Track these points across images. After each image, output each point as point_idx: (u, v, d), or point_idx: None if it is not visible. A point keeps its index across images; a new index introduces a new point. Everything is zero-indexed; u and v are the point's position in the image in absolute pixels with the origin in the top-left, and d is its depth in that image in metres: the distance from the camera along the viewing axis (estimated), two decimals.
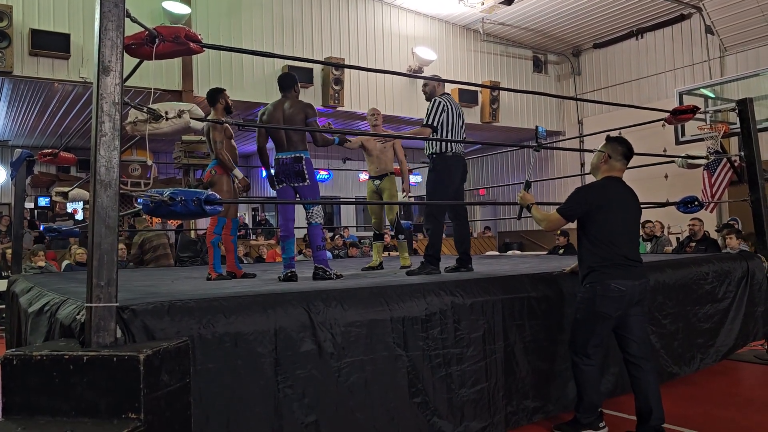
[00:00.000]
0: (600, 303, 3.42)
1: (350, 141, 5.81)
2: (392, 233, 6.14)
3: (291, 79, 4.74)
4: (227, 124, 4.83)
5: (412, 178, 14.43)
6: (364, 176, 17.16)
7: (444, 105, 4.71)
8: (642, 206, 3.80)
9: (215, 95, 4.97)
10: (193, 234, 11.25)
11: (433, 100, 4.78)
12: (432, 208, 4.73)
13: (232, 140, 5.10)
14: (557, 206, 3.66)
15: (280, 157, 4.55)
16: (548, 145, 15.04)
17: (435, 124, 4.67)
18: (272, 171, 4.69)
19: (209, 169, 5.02)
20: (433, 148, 4.75)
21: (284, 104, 4.62)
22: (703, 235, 8.61)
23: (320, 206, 4.59)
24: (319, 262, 4.43)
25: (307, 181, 4.52)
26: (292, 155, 4.50)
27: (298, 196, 4.61)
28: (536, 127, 4.39)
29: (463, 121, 4.86)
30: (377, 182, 6.03)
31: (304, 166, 4.50)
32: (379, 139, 5.86)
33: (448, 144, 4.69)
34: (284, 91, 4.70)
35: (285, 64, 11.41)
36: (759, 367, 5.11)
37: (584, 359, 3.49)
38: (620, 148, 3.63)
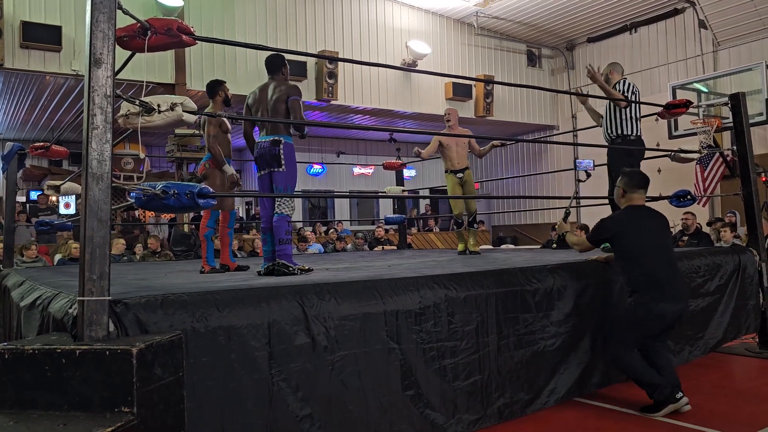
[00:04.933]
0: (641, 323, 3.77)
1: (421, 152, 6.28)
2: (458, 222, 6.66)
3: (279, 61, 4.51)
4: (224, 118, 4.77)
5: (406, 172, 14.45)
6: (358, 170, 17.19)
7: (632, 85, 5.22)
8: None
9: (215, 87, 4.97)
10: (186, 228, 11.23)
11: (620, 81, 5.28)
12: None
13: (228, 134, 5.06)
14: (561, 200, 3.74)
15: (258, 141, 4.38)
16: (542, 139, 15.06)
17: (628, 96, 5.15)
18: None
19: (203, 163, 5.01)
20: (615, 132, 5.25)
21: (269, 86, 4.46)
22: (696, 228, 8.65)
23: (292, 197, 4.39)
24: (281, 256, 4.23)
25: (283, 167, 4.29)
26: (270, 138, 4.30)
27: (271, 182, 4.38)
28: (575, 160, 4.83)
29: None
30: (460, 175, 6.45)
31: (282, 151, 4.28)
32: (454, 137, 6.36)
33: (632, 127, 5.20)
34: (272, 73, 4.51)
35: None
36: (750, 360, 5.14)
37: (620, 353, 3.79)
38: (633, 181, 4.03)
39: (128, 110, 2.86)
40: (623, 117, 5.25)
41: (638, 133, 5.25)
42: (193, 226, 11.47)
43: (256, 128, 4.70)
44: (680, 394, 3.66)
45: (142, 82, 5.50)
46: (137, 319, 2.47)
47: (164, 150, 11.63)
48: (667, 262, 3.86)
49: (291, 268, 4.18)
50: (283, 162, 4.28)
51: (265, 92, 4.45)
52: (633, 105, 5.22)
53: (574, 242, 4.25)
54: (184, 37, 2.83)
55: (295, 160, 4.39)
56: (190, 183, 2.86)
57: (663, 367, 3.74)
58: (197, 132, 10.43)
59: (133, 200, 2.78)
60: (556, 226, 4.60)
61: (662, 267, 3.81)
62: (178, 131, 10.22)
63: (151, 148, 15.83)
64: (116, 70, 2.49)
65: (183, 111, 2.91)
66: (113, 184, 2.43)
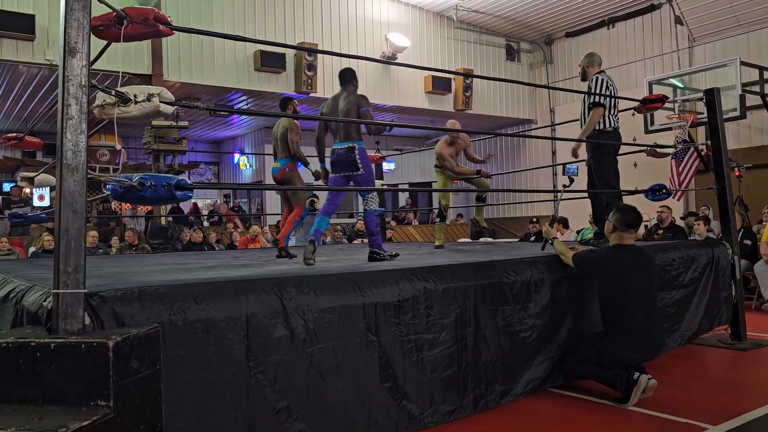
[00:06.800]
0: (605, 357, 3.83)
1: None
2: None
3: (350, 74, 5.00)
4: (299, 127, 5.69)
5: (385, 165, 14.44)
6: None
7: (606, 82, 5.13)
8: (611, 194, 3.92)
9: (286, 103, 5.88)
10: (163, 221, 11.12)
11: (593, 78, 5.19)
12: (609, 179, 5.15)
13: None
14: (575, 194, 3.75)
15: (335, 148, 4.82)
16: (521, 133, 15.15)
17: (602, 102, 5.09)
18: (326, 161, 5.13)
19: (282, 167, 5.71)
20: (595, 126, 5.16)
21: (341, 97, 4.90)
22: (671, 222, 8.77)
23: (375, 192, 4.91)
24: (372, 246, 4.77)
25: (361, 170, 4.75)
26: (346, 146, 4.74)
27: (352, 184, 4.90)
28: (565, 165, 5.04)
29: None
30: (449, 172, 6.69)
31: (357, 156, 4.72)
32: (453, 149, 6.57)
33: (607, 121, 5.14)
34: (343, 84, 4.97)
35: (257, 49, 11.28)
36: (722, 351, 5.24)
37: (577, 368, 3.95)
38: (625, 219, 4.00)
39: (104, 101, 2.82)
40: (606, 113, 5.17)
41: (614, 126, 5.18)
42: (171, 219, 11.38)
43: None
44: (636, 374, 3.71)
45: (118, 72, 5.40)
46: (114, 312, 2.45)
47: (141, 142, 11.50)
48: (648, 314, 3.85)
49: (382, 255, 4.69)
50: (360, 165, 4.75)
51: (336, 102, 4.91)
52: (610, 100, 5.15)
53: (560, 251, 4.24)
54: (161, 27, 2.80)
55: (369, 161, 4.86)
56: (168, 175, 2.83)
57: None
58: (173, 124, 10.36)
59: (109, 192, 2.75)
60: (543, 232, 4.64)
61: (642, 320, 3.81)
62: (155, 122, 10.10)
63: (128, 139, 15.64)
64: (91, 59, 2.45)
65: (160, 102, 2.88)
66: (88, 176, 2.40)
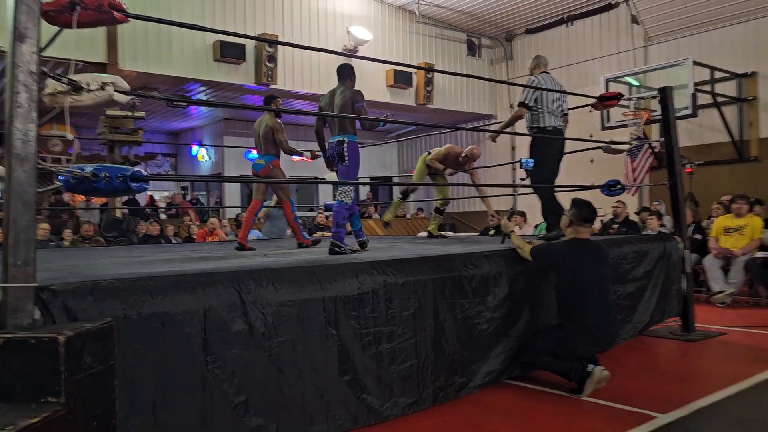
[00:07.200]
0: (560, 349, 3.93)
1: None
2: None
3: (348, 70, 5.07)
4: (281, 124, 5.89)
5: None
6: (297, 156, 16.99)
7: (537, 83, 5.21)
8: (568, 189, 4.00)
9: (269, 101, 6.05)
10: (118, 213, 10.88)
11: (530, 78, 5.33)
12: (537, 177, 5.22)
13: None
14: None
15: (329, 142, 4.98)
16: (481, 127, 15.29)
17: (526, 102, 5.21)
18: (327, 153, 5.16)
19: (267, 164, 5.86)
20: (529, 125, 5.31)
21: (337, 92, 4.99)
22: (625, 217, 8.98)
23: (351, 186, 5.02)
24: (335, 238, 4.82)
25: (346, 162, 4.87)
26: (336, 139, 4.88)
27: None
28: (521, 159, 5.12)
29: (560, 96, 5.35)
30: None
31: (345, 149, 4.84)
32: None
33: (546, 120, 5.23)
34: (340, 79, 5.05)
35: (216, 39, 11.10)
36: (673, 342, 5.40)
37: (534, 359, 4.06)
38: (581, 213, 4.06)
39: (55, 89, 2.74)
40: (536, 111, 5.26)
41: (555, 125, 5.27)
42: (126, 211, 11.14)
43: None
44: (590, 366, 3.79)
45: (71, 60, 5.23)
46: (65, 307, 2.39)
47: (95, 132, 11.21)
48: (603, 308, 3.93)
49: (342, 248, 4.73)
50: (346, 158, 4.87)
51: (333, 96, 5.02)
52: (545, 99, 5.22)
53: (517, 245, 4.30)
54: (115, 14, 2.73)
55: (357, 156, 4.94)
56: (123, 166, 2.77)
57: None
58: (129, 114, 10.13)
59: (61, 183, 2.67)
60: (501, 226, 4.73)
61: (597, 314, 3.89)
62: (110, 112, 9.87)
63: (81, 129, 15.23)
64: (42, 46, 2.38)
65: (114, 91, 2.81)
66: (39, 167, 2.33)
